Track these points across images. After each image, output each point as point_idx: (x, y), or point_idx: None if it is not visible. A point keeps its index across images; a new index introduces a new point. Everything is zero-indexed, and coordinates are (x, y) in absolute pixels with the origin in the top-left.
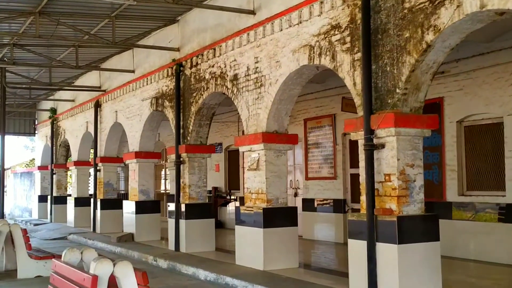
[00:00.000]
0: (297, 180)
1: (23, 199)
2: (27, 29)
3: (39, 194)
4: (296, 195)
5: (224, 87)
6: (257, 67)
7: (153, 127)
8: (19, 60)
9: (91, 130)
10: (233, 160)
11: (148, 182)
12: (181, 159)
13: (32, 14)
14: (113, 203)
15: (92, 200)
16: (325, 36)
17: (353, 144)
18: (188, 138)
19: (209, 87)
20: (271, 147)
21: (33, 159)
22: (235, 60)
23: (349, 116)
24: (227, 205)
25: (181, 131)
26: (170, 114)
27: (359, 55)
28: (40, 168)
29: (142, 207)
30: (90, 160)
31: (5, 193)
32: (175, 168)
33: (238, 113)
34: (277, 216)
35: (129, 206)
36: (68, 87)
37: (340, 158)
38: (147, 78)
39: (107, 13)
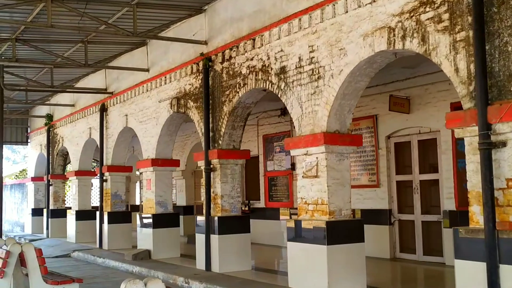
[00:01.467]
0: None
1: (13, 213)
2: (34, 20)
3: (33, 207)
4: None
5: (268, 82)
6: (313, 57)
7: (172, 132)
8: (20, 58)
9: (95, 136)
10: (251, 168)
11: (166, 192)
12: (212, 166)
13: (42, 1)
14: (122, 217)
15: (98, 213)
16: (411, 14)
17: (399, 148)
18: (220, 142)
19: (246, 83)
20: (333, 149)
21: (24, 169)
22: (282, 50)
23: (396, 116)
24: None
25: (211, 134)
26: (195, 115)
27: (462, 34)
28: (33, 179)
29: (159, 221)
30: (95, 170)
31: None
32: (204, 176)
33: (257, 117)
34: (343, 231)
35: (143, 220)
36: (72, 89)
37: (383, 164)
38: (165, 77)
39: (127, 0)
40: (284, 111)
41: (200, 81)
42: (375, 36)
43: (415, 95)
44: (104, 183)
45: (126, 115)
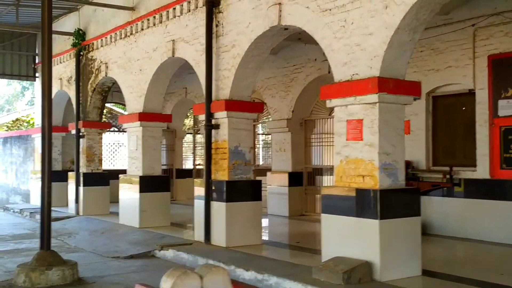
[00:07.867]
0: None
1: (11, 176)
2: None
3: None
4: None
5: None
6: None
7: (420, 22)
8: None
9: (185, 53)
10: (445, 114)
11: (396, 148)
12: None
13: None
14: (248, 190)
15: (202, 188)
16: None
17: None
18: None
19: None
20: None
21: (18, 119)
22: None
23: None
24: (444, 193)
25: None
26: None
27: None
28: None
29: (389, 205)
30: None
31: None
32: None
33: (473, 25)
34: None
35: (341, 203)
36: None
37: None
38: None
39: None
40: None
41: None
42: None
43: None
44: (213, 132)
45: (279, 4)
